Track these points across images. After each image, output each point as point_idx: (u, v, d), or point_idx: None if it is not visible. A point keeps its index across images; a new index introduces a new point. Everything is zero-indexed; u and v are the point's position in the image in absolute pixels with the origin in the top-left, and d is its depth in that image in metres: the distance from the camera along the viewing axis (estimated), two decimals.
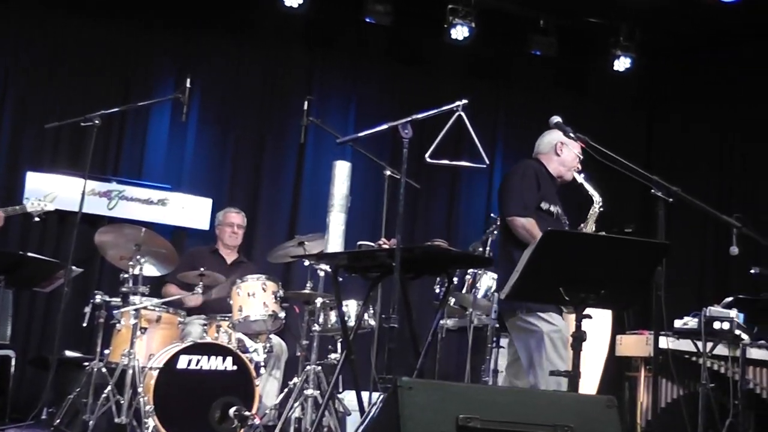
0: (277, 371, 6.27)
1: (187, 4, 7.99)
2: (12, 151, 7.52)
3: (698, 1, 7.86)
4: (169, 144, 7.99)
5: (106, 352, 5.74)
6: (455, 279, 5.73)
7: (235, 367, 5.68)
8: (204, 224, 7.81)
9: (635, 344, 6.08)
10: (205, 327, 6.01)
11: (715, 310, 5.82)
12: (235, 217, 6.92)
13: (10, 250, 6.71)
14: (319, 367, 5.75)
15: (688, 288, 8.29)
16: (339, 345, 6.18)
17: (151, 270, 6.03)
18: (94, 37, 7.83)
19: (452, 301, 6.06)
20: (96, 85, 7.74)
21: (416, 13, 8.47)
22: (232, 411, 5.47)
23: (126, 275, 5.70)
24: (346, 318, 5.77)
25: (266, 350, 6.00)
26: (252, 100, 8.36)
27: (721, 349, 5.99)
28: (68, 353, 6.37)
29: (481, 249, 5.85)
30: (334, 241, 4.41)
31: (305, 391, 5.58)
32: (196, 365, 5.60)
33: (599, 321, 4.65)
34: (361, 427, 4.14)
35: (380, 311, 5.58)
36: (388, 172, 5.60)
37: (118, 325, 5.76)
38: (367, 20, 8.27)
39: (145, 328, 5.73)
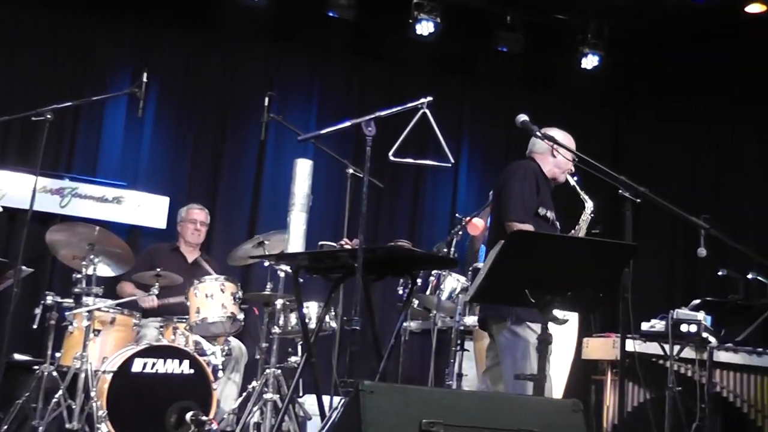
0: (235, 375, 6.24)
1: None
2: None
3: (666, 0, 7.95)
4: (124, 140, 7.92)
5: (57, 355, 5.68)
6: (419, 280, 5.73)
7: (192, 371, 5.64)
8: (161, 223, 7.76)
9: (602, 347, 6.12)
10: (162, 329, 5.97)
11: (683, 312, 5.87)
12: (199, 214, 6.88)
13: None
14: (279, 371, 5.73)
15: (657, 290, 8.37)
16: (299, 348, 6.17)
17: (105, 270, 5.98)
18: (47, 29, 7.75)
19: (416, 303, 6.06)
20: (48, 78, 7.66)
21: (380, 7, 8.47)
22: (188, 416, 5.43)
23: (79, 275, 5.65)
24: (306, 320, 5.75)
25: (224, 353, 5.97)
26: (211, 95, 8.32)
27: (689, 352, 6.05)
28: (17, 356, 6.29)
29: (445, 250, 5.86)
30: (295, 241, 4.40)
31: (264, 395, 5.56)
32: (152, 369, 5.56)
33: (566, 324, 4.66)
34: None
35: (342, 313, 5.57)
36: (350, 171, 5.61)
37: (70, 327, 5.70)
38: (330, 14, 8.26)
39: (99, 330, 5.68)
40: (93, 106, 7.67)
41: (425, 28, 8.26)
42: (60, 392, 5.32)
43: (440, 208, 8.89)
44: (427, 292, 5.90)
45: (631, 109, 9.40)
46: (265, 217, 8.09)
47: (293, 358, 6.11)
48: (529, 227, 4.44)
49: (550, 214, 4.64)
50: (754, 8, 7.87)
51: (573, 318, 5.39)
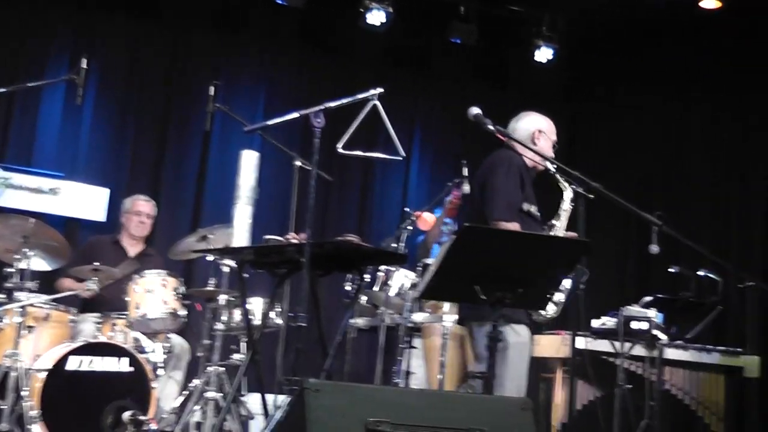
0: (176, 372, 6.19)
1: None
2: None
3: None
4: (62, 129, 7.80)
5: None
6: (367, 276, 5.74)
7: (131, 369, 5.58)
8: (100, 215, 7.67)
9: (552, 345, 6.17)
10: (99, 325, 5.89)
11: (634, 309, 5.93)
12: (144, 206, 6.79)
13: None
14: (222, 368, 5.71)
15: (608, 287, 8.45)
16: (243, 345, 6.14)
17: (40, 264, 5.89)
18: None
19: (363, 299, 6.05)
20: None
21: None
22: (126, 416, 5.38)
23: (11, 270, 5.55)
24: (251, 316, 5.74)
25: (165, 350, 5.92)
26: (154, 83, 8.23)
27: (639, 350, 6.12)
28: None
29: (394, 245, 5.86)
30: (240, 235, 4.38)
31: (206, 394, 5.54)
32: (88, 366, 5.49)
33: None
34: None
35: (288, 309, 5.54)
36: (298, 163, 5.57)
37: (0, 323, 5.60)
38: (279, 2, 8.22)
39: (32, 327, 5.59)
40: (28, 92, 7.55)
41: (376, 17, 8.25)
42: None
43: (390, 203, 8.90)
44: (375, 288, 5.90)
45: (586, 103, 9.48)
46: (210, 210, 8.04)
47: (237, 356, 6.09)
48: (516, 226, 4.44)
49: (534, 209, 4.63)
50: (708, 4, 7.98)
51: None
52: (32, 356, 5.55)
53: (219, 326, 5.80)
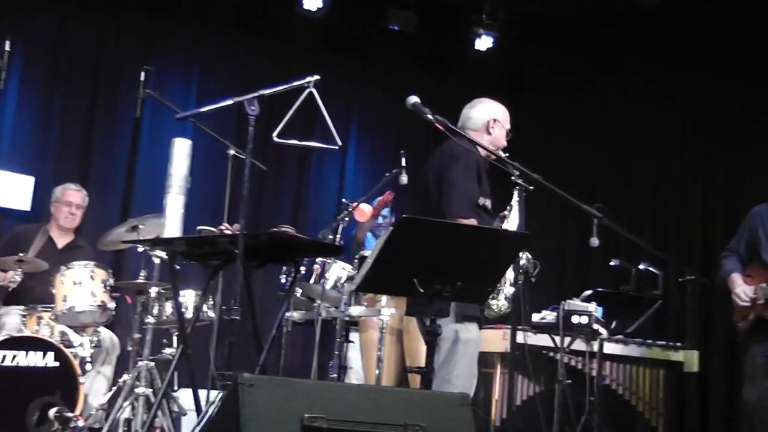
0: (105, 367, 6.13)
1: None
2: None
3: None
4: None
5: None
6: (303, 268, 5.73)
7: (57, 364, 5.51)
8: (25, 204, 7.55)
9: (491, 339, 6.23)
10: (24, 318, 5.80)
11: (574, 303, 6.01)
12: (75, 196, 6.68)
13: None
14: (153, 363, 5.66)
15: (548, 280, 8.55)
16: (175, 339, 6.10)
17: None
18: None
19: (299, 292, 6.04)
20: None
21: None
22: (52, 412, 5.31)
23: None
24: (183, 309, 5.70)
25: (93, 345, 5.86)
26: (82, 68, 8.11)
27: (580, 344, 6.21)
28: None
29: (331, 236, 5.86)
30: (172, 225, 4.35)
31: (136, 390, 5.49)
32: (12, 362, 5.40)
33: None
34: (198, 428, 4.10)
35: (221, 302, 5.52)
36: (232, 152, 5.54)
37: None
38: None
39: None
40: None
41: (313, 2, 8.23)
42: None
43: (326, 193, 8.89)
44: (311, 281, 5.89)
45: (527, 93, 9.56)
46: (140, 199, 7.95)
47: (168, 350, 6.05)
48: (473, 222, 4.45)
49: (489, 203, 4.65)
50: None
51: None
52: None
53: (150, 320, 5.75)
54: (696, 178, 8.20)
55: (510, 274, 4.70)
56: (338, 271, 5.83)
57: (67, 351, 5.59)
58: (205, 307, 5.83)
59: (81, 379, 5.56)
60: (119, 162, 8.14)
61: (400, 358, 5.87)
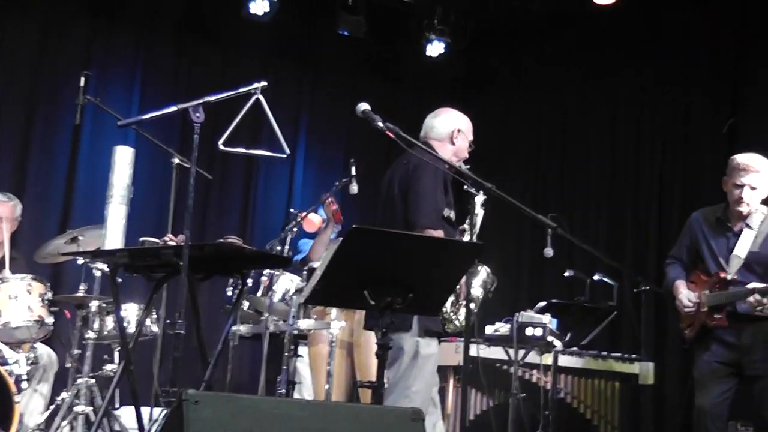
0: (43, 385, 6.06)
1: None
2: None
3: None
4: None
5: None
6: (250, 280, 5.72)
7: None
8: None
9: (444, 352, 6.23)
10: None
11: (528, 315, 6.06)
12: (3, 208, 6.53)
13: None
14: (93, 380, 5.61)
15: (502, 291, 8.59)
16: (116, 354, 6.05)
17: None
18: None
19: (246, 305, 6.03)
20: None
21: None
22: None
23: None
24: (125, 324, 5.66)
25: (30, 361, 5.78)
26: (19, 71, 8.00)
27: (534, 357, 6.25)
28: None
29: (279, 248, 5.86)
30: (114, 236, 4.32)
31: (75, 408, 5.43)
32: None
33: None
34: None
35: (165, 316, 5.49)
36: (176, 160, 5.53)
37: None
38: None
39: None
40: None
41: (260, 7, 8.21)
42: None
43: (274, 203, 8.87)
44: (259, 294, 5.89)
45: (479, 100, 9.60)
46: (80, 209, 7.87)
47: (109, 366, 5.99)
48: (440, 233, 4.51)
49: (453, 214, 4.68)
50: None
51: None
52: None
53: (90, 335, 5.69)
54: (651, 188, 8.29)
55: (476, 291, 4.78)
56: (286, 283, 5.83)
57: (2, 368, 5.52)
58: (148, 322, 5.79)
59: (16, 398, 5.47)
60: (58, 171, 8.05)
61: (351, 372, 5.88)
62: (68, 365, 5.87)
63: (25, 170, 7.93)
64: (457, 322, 4.75)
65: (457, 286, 4.63)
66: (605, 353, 6.58)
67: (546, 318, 6.03)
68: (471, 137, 4.98)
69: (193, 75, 8.60)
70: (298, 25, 8.94)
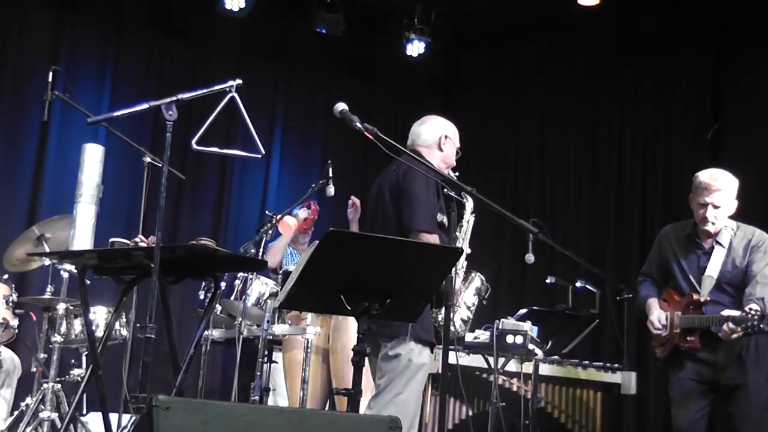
0: (5, 390, 6.03)
1: None
2: None
3: None
4: None
5: None
6: (223, 284, 5.70)
7: None
8: None
9: None
10: None
11: (509, 322, 6.07)
12: None
13: None
14: (59, 385, 5.59)
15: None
16: (84, 359, 6.03)
17: None
18: None
19: (219, 309, 6.03)
20: None
21: None
22: None
23: None
24: (93, 327, 5.63)
25: None
26: None
27: (514, 365, 6.27)
28: None
29: (253, 250, 5.85)
30: (82, 236, 4.30)
31: (41, 414, 5.41)
32: None
33: None
34: None
35: (135, 320, 5.47)
36: (148, 159, 5.51)
37: None
38: None
39: None
40: None
41: (235, 3, 8.19)
42: None
43: (249, 205, 8.85)
44: (232, 297, 5.88)
45: (459, 101, 9.63)
46: (47, 209, 7.80)
47: (76, 371, 5.98)
48: (436, 238, 4.54)
49: (445, 220, 4.71)
50: (587, 1, 8.23)
51: None
52: None
53: (57, 338, 5.67)
54: (634, 193, 8.33)
55: (470, 298, 4.81)
56: (261, 287, 5.83)
57: None
58: (117, 325, 5.78)
59: None
60: (24, 169, 7.99)
61: (326, 379, 5.89)
62: (33, 369, 5.84)
63: None
64: (452, 328, 4.79)
65: (455, 292, 4.71)
66: (587, 362, 6.60)
67: (527, 325, 6.04)
68: (458, 144, 5.02)
69: (165, 71, 8.57)
70: (273, 21, 8.93)
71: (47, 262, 5.76)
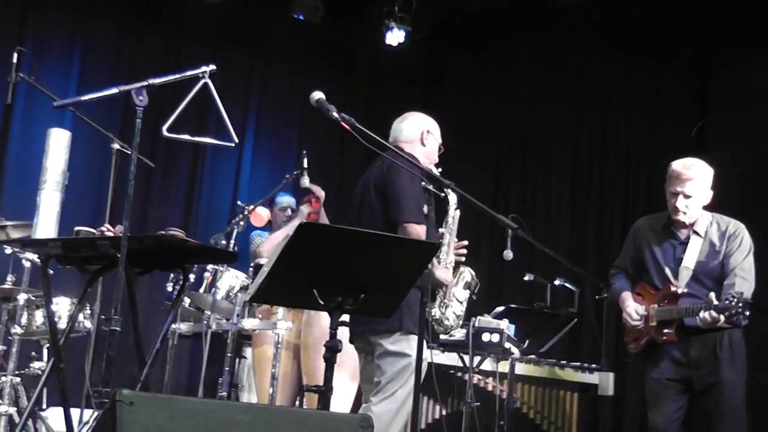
0: None
1: None
2: None
3: None
4: None
5: None
6: (192, 276, 5.69)
7: None
8: None
9: None
10: None
11: (485, 320, 6.07)
12: None
13: None
14: (18, 379, 5.55)
15: None
16: (45, 351, 5.99)
17: None
18: None
19: (187, 301, 6.01)
20: None
21: None
22: None
23: None
24: (56, 319, 5.60)
25: None
26: None
27: (490, 364, 6.28)
28: None
29: (224, 242, 5.83)
30: (46, 224, 4.27)
31: None
32: None
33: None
34: None
35: (99, 311, 5.44)
36: (116, 146, 5.48)
37: None
38: None
39: None
40: None
41: None
42: None
43: (220, 195, 8.83)
44: (201, 290, 5.86)
45: (438, 93, 9.63)
46: (10, 196, 7.74)
47: (37, 364, 5.94)
48: (423, 229, 4.57)
49: (432, 213, 4.72)
50: None
51: None
52: None
53: (17, 330, 5.64)
54: (616, 191, 8.36)
55: (461, 293, 4.84)
56: (231, 279, 5.81)
57: None
58: (81, 317, 5.75)
59: None
60: None
61: (297, 375, 5.88)
62: None
63: None
64: (447, 322, 4.83)
65: (444, 286, 4.82)
66: (564, 362, 6.62)
67: (503, 324, 6.04)
68: (440, 140, 5.05)
69: (136, 55, 8.52)
70: (249, 6, 8.91)
71: (8, 250, 5.71)
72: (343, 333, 4.46)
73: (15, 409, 5.44)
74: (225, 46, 8.79)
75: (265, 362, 5.82)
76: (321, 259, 3.57)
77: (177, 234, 4.27)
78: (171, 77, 4.21)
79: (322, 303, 3.63)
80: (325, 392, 3.65)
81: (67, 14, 8.39)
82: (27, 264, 5.70)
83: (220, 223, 7.50)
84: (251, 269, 5.81)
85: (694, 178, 5.13)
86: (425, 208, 4.68)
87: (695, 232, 5.19)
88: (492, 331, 5.96)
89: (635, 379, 7.25)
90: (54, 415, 5.66)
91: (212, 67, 4.26)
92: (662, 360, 5.20)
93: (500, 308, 6.31)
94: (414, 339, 4.56)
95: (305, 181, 6.18)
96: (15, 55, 5.98)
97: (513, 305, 6.43)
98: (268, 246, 6.53)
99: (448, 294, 4.86)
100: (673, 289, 5.14)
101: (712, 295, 4.96)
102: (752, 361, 5.18)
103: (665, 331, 5.15)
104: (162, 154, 7.97)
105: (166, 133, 4.23)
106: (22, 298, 5.69)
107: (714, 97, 7.98)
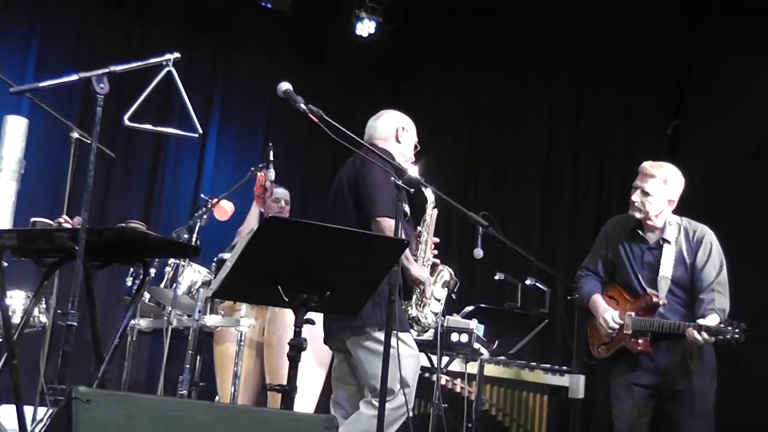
0: None
1: None
2: None
3: None
4: None
5: None
6: (152, 270, 5.67)
7: None
8: None
9: None
10: None
11: (454, 320, 6.08)
12: None
13: None
14: None
15: None
16: None
17: None
18: None
19: (147, 296, 5.98)
20: None
21: None
22: None
23: None
24: (9, 313, 5.55)
25: None
26: None
27: (458, 365, 6.29)
28: None
29: (187, 236, 5.81)
30: (1, 215, 4.24)
31: None
32: None
33: (319, 328, 4.76)
34: None
35: (56, 306, 5.41)
36: (75, 135, 5.44)
37: None
38: None
39: None
40: None
41: None
42: None
43: (183, 186, 8.79)
44: (162, 285, 5.84)
45: (408, 86, 9.64)
46: None
47: None
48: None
49: (408, 209, 4.73)
50: None
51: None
52: None
53: None
54: (589, 191, 8.40)
55: (439, 292, 4.86)
56: (193, 274, 5.80)
57: None
58: (36, 311, 5.70)
59: None
60: None
61: (260, 374, 5.87)
62: None
63: None
64: (425, 321, 4.85)
65: (421, 284, 4.84)
66: (534, 364, 6.64)
67: (473, 323, 6.05)
68: (416, 138, 5.07)
69: (96, 42, 8.45)
70: None
71: None
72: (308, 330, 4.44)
73: None
74: (190, 34, 8.75)
75: (227, 360, 5.81)
76: (286, 254, 3.57)
77: (138, 227, 4.25)
78: (133, 64, 4.19)
79: (286, 300, 3.63)
80: (288, 391, 3.65)
81: None
82: None
83: (183, 216, 7.50)
84: (214, 264, 5.79)
85: (657, 177, 5.15)
86: (403, 206, 4.69)
87: (665, 240, 5.21)
88: (461, 331, 5.96)
89: (605, 383, 7.32)
90: (6, 413, 5.61)
91: (176, 55, 4.24)
92: (631, 365, 5.22)
93: (470, 308, 6.32)
94: (399, 335, 4.58)
95: (271, 174, 6.14)
96: None
97: (483, 305, 6.44)
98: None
99: (426, 292, 4.86)
100: (655, 300, 5.13)
101: (701, 320, 4.95)
102: (722, 369, 5.21)
103: (640, 341, 5.15)
104: (123, 144, 7.93)
105: (127, 123, 4.20)
106: None
107: (689, 96, 8.04)
